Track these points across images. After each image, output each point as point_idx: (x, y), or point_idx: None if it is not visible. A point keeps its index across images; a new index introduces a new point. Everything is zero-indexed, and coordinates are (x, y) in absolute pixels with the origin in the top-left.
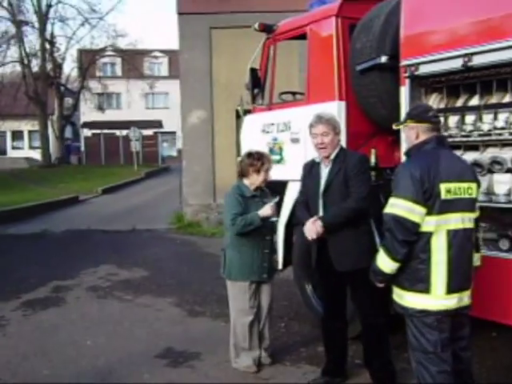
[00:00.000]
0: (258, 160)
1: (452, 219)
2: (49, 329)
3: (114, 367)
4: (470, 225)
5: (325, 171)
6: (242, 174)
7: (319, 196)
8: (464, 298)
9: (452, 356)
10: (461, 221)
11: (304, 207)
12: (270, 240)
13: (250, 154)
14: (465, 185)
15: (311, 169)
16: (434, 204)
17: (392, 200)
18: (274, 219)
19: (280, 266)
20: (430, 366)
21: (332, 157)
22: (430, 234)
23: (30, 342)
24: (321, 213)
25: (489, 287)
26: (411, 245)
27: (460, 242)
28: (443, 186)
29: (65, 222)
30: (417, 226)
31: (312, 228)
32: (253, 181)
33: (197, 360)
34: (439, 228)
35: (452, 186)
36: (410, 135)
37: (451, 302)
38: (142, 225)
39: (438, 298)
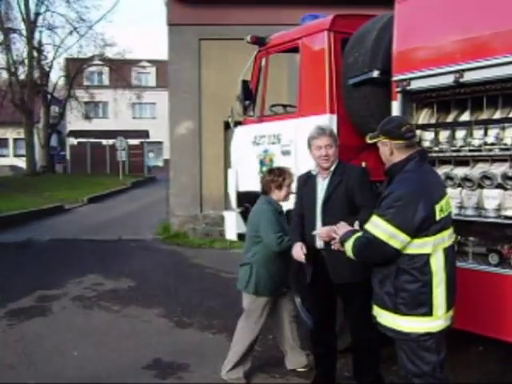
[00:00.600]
0: (278, 176)
1: (446, 236)
2: (34, 338)
3: (101, 378)
4: (454, 238)
5: (322, 183)
6: (265, 191)
7: (318, 207)
8: (454, 312)
9: None
10: (452, 236)
11: (297, 225)
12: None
13: (270, 171)
14: (446, 199)
15: (306, 181)
16: (430, 227)
17: (377, 219)
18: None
19: None
20: None
21: (332, 169)
22: (428, 256)
23: (16, 351)
24: (319, 224)
25: (478, 301)
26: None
27: (452, 258)
28: (437, 207)
29: (50, 230)
30: (396, 251)
31: (299, 252)
32: (276, 197)
33: (185, 372)
34: (437, 248)
35: (442, 203)
36: (384, 151)
37: (450, 319)
38: (128, 235)
39: (439, 318)
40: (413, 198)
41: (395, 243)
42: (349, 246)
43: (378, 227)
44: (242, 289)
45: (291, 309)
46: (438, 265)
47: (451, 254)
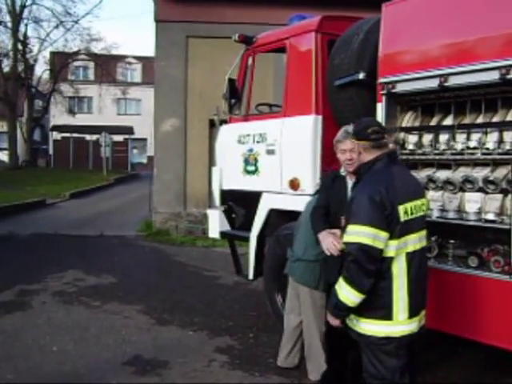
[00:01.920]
0: None
1: (410, 241)
2: (13, 333)
3: (81, 373)
4: (424, 242)
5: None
6: None
7: None
8: (423, 318)
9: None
10: (418, 241)
11: (322, 214)
12: None
13: None
14: (418, 202)
15: (334, 181)
16: (395, 228)
17: (353, 228)
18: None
19: (251, 277)
20: None
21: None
22: (390, 259)
23: None
24: None
25: (456, 303)
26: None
27: (418, 263)
28: (401, 208)
29: (31, 225)
30: (381, 252)
31: (332, 243)
32: None
33: (165, 368)
34: (399, 252)
35: (408, 206)
36: (355, 152)
37: (413, 325)
38: (110, 231)
39: (400, 323)
40: (374, 197)
41: (379, 244)
42: (340, 282)
43: (359, 233)
44: (311, 288)
45: None
46: (398, 270)
47: (417, 259)
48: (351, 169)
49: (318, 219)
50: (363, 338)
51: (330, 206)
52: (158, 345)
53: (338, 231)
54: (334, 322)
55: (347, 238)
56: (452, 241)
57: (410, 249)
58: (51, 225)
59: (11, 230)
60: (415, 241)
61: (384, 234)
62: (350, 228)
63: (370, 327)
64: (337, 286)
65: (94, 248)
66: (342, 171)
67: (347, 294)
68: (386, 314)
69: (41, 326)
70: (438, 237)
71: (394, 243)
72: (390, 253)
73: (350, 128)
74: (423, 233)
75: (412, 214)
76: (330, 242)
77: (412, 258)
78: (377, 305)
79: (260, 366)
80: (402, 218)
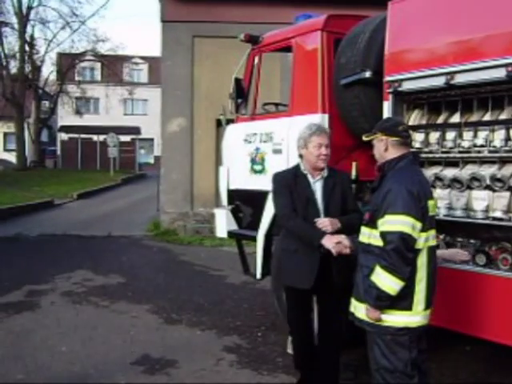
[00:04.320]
0: None
1: (431, 236)
2: (23, 333)
3: (90, 373)
4: (436, 240)
5: (316, 184)
6: None
7: (318, 209)
8: (431, 312)
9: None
10: (434, 238)
11: (303, 220)
12: None
13: None
14: (434, 201)
15: (295, 179)
16: (425, 221)
17: (393, 218)
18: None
19: (258, 276)
20: None
21: (325, 170)
22: (418, 251)
23: (4, 345)
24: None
25: (464, 301)
26: None
27: (434, 258)
28: (430, 203)
29: (39, 225)
30: (415, 243)
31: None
32: None
33: (173, 367)
34: (425, 245)
35: (433, 202)
36: (379, 147)
37: (427, 317)
38: (117, 231)
39: (418, 314)
40: (412, 190)
41: (416, 234)
42: (378, 273)
43: (399, 222)
44: None
45: None
46: (422, 261)
47: (434, 254)
48: (323, 164)
49: (306, 225)
50: (378, 328)
51: (298, 206)
52: (167, 344)
53: (343, 236)
54: (375, 314)
55: (387, 227)
56: (459, 239)
57: (431, 243)
58: (59, 225)
59: (19, 230)
60: (434, 236)
61: (419, 225)
62: (389, 217)
63: (389, 317)
64: (374, 278)
65: (101, 248)
66: (303, 168)
67: (389, 282)
68: (407, 304)
69: (49, 326)
70: (446, 235)
71: (423, 235)
72: (419, 245)
73: (319, 124)
74: (435, 231)
75: (432, 211)
76: (331, 241)
77: (432, 252)
78: (399, 296)
79: (268, 365)
80: (430, 212)
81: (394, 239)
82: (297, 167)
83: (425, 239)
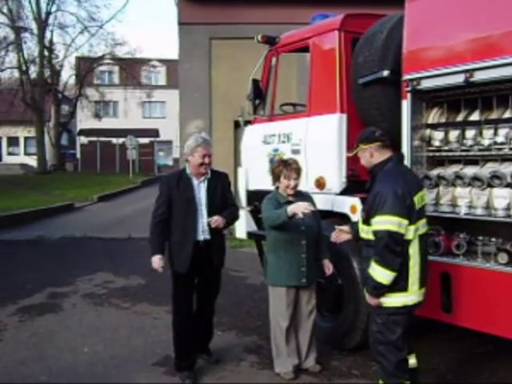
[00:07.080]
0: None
1: (421, 225)
2: (45, 335)
3: (112, 374)
4: (427, 228)
5: (200, 186)
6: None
7: (202, 207)
8: (425, 293)
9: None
10: (426, 226)
11: (162, 232)
12: (305, 244)
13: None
14: (422, 193)
15: (178, 182)
16: (413, 215)
17: (382, 218)
18: (300, 216)
19: None
20: (391, 356)
21: (209, 174)
22: (409, 242)
23: (27, 347)
24: (205, 219)
25: (487, 300)
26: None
27: (425, 244)
28: (415, 198)
29: (60, 228)
30: (403, 237)
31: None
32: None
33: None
34: (415, 235)
35: (418, 196)
36: (365, 156)
37: (422, 295)
38: (137, 233)
39: (413, 293)
40: (397, 190)
41: (402, 230)
42: (373, 267)
43: (386, 222)
44: (264, 281)
45: (312, 307)
46: (414, 250)
47: (424, 241)
48: (205, 171)
49: (158, 238)
50: (381, 309)
51: (174, 206)
52: None
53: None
54: (374, 301)
55: (377, 227)
56: (481, 237)
57: (421, 232)
58: (80, 228)
59: (41, 233)
60: (424, 225)
61: (406, 222)
62: (379, 218)
63: (388, 300)
64: (370, 271)
65: (122, 250)
66: (189, 172)
67: (382, 274)
68: (403, 286)
69: (72, 327)
70: (467, 234)
71: (412, 227)
72: (409, 236)
73: (205, 136)
74: (425, 219)
75: (419, 203)
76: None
77: (423, 239)
78: (397, 281)
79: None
80: (416, 205)
81: (384, 236)
82: (183, 171)
83: (414, 230)
